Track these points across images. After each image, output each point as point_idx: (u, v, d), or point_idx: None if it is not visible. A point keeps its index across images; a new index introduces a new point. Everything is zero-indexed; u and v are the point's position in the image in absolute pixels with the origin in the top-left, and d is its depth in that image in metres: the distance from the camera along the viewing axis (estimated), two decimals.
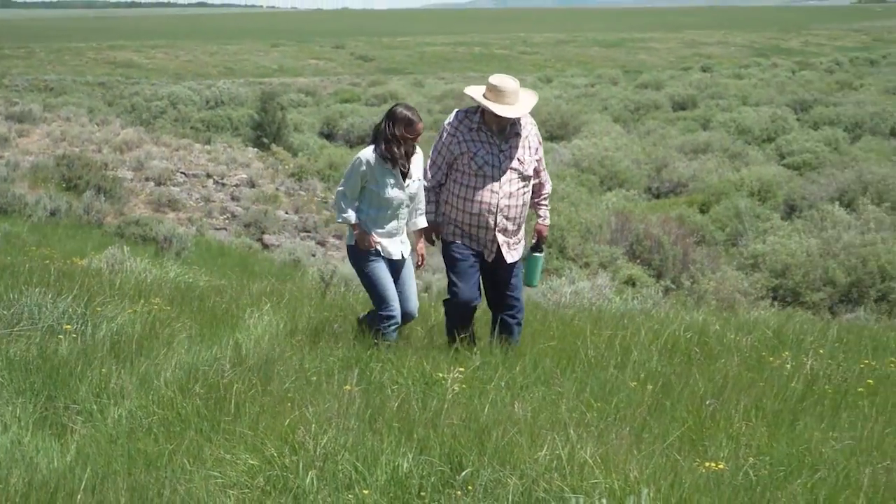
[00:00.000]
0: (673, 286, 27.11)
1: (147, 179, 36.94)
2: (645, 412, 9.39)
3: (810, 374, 10.94)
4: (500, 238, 11.38)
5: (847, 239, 26.25)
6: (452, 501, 7.20)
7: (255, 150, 47.01)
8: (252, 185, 37.90)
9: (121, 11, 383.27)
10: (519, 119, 11.36)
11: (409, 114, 11.16)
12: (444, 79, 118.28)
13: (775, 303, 25.07)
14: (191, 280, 17.91)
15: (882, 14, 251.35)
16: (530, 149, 11.46)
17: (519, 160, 11.36)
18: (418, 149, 11.41)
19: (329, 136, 74.29)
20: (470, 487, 7.38)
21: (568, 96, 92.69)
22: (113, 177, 34.54)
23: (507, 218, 11.34)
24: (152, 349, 10.79)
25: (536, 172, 11.57)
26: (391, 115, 11.20)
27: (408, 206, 11.41)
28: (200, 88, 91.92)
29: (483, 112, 11.33)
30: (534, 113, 11.70)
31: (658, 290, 23.83)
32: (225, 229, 33.01)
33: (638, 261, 29.57)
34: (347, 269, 16.91)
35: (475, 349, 11.18)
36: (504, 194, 11.29)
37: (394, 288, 11.38)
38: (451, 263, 11.49)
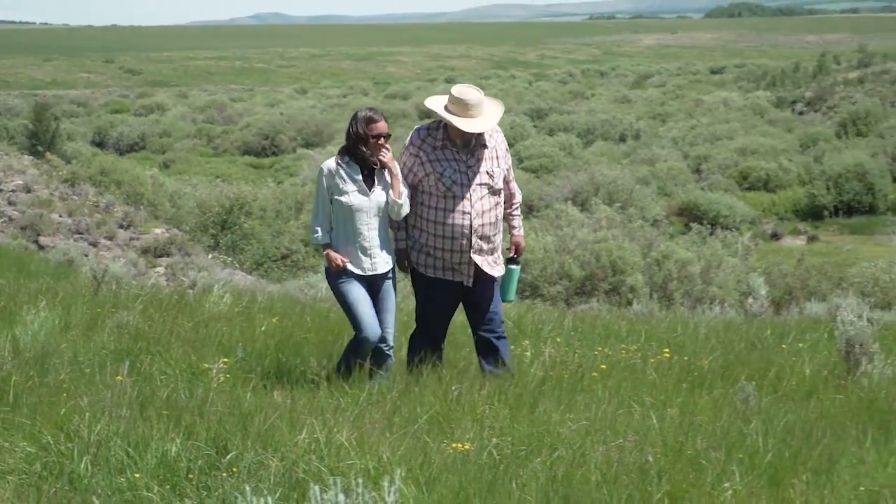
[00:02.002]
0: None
1: None
2: (396, 397, 9.42)
3: (549, 361, 11.07)
4: (477, 259, 10.14)
5: (581, 236, 26.66)
6: (218, 483, 7.15)
7: (31, 157, 46.08)
8: (28, 190, 37.12)
9: None
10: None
11: (370, 113, 10.07)
12: (208, 90, 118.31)
13: (516, 295, 25.38)
14: None
15: (611, 29, 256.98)
16: (499, 159, 10.23)
17: (488, 174, 10.12)
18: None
19: (100, 144, 73.85)
20: (235, 469, 7.37)
21: (322, 106, 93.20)
22: None
23: (481, 238, 10.12)
24: None
25: (505, 182, 10.34)
26: (353, 116, 10.15)
27: (378, 216, 10.06)
28: None
29: (446, 126, 10.10)
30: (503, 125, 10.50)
31: (409, 283, 23.93)
32: (2, 232, 32.26)
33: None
34: (118, 267, 16.61)
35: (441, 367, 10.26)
36: (476, 213, 10.06)
37: (371, 309, 10.10)
38: (425, 298, 10.47)
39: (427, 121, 10.60)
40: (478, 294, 10.40)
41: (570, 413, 9.33)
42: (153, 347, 10.78)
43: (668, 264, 25.33)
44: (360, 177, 9.99)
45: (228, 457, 7.56)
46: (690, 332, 13.95)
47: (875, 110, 77.38)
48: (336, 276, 10.11)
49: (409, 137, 10.24)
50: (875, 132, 70.49)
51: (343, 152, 10.10)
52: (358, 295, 10.05)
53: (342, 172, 10.03)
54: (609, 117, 79.78)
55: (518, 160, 59.80)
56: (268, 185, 33.25)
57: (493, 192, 10.14)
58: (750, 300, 20.55)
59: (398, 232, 10.36)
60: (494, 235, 10.24)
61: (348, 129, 10.10)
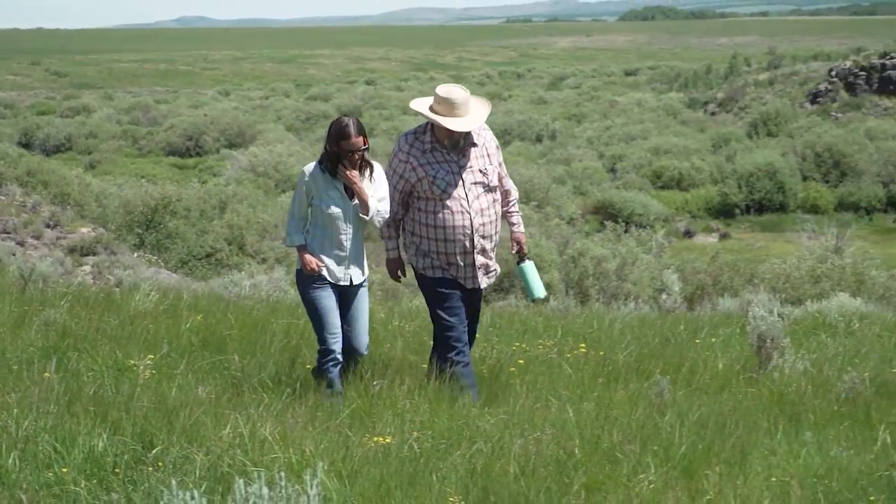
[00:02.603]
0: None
1: None
2: (317, 393, 9.43)
3: None
4: (480, 260, 9.75)
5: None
6: (144, 477, 7.12)
7: None
8: None
9: None
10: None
11: (344, 126, 9.35)
12: (133, 93, 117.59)
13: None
14: None
15: (527, 32, 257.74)
16: (489, 156, 9.80)
17: (482, 171, 9.71)
18: (378, 166, 9.66)
19: (27, 145, 72.99)
20: (161, 464, 7.34)
21: (245, 108, 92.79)
22: None
23: (483, 237, 9.71)
24: None
25: (500, 180, 9.94)
26: (330, 125, 9.52)
27: (357, 225, 9.54)
28: None
29: (433, 128, 9.69)
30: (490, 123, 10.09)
31: None
32: None
33: None
34: (45, 266, 16.45)
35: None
36: (475, 212, 9.65)
37: (338, 320, 9.58)
38: (437, 298, 9.85)
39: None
40: (474, 299, 10.04)
41: (489, 407, 9.38)
42: (80, 344, 10.68)
43: (583, 261, 25.42)
44: (341, 184, 9.44)
45: (154, 451, 7.52)
46: (606, 327, 14.04)
47: (785, 111, 78.03)
48: (308, 280, 9.55)
49: (396, 144, 9.82)
50: (785, 132, 71.11)
51: (323, 159, 9.48)
52: (328, 304, 9.52)
53: (324, 179, 9.45)
54: (525, 118, 79.95)
55: None
56: (192, 185, 33.04)
57: (489, 189, 9.77)
58: (664, 296, 20.74)
59: (388, 241, 9.99)
60: (495, 234, 9.89)
61: (325, 140, 9.50)
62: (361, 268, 9.72)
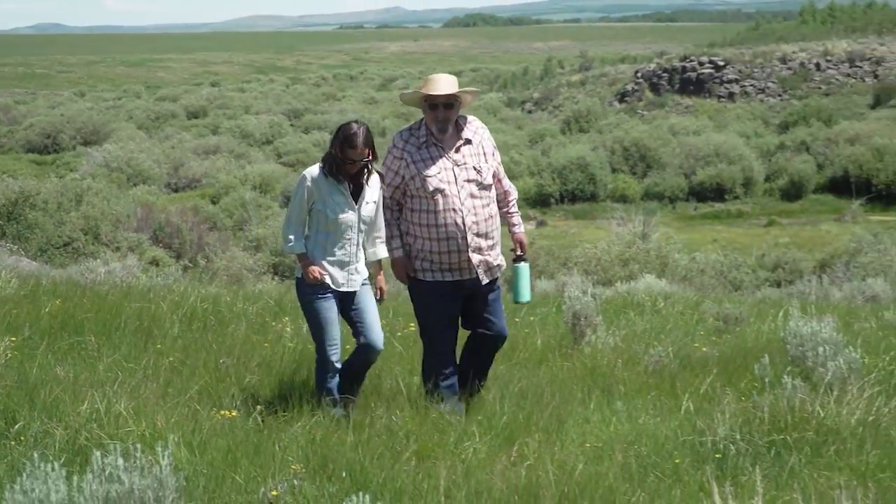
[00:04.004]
0: (191, 265, 26.94)
1: None
2: (169, 370, 9.35)
3: (306, 335, 11.05)
4: (476, 258, 8.87)
5: None
6: (7, 451, 7.03)
7: None
8: None
9: None
10: (466, 125, 9.02)
11: (350, 134, 8.43)
12: None
13: (276, 277, 25.28)
14: None
15: (359, 37, 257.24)
16: (485, 155, 8.99)
17: (476, 169, 8.88)
18: (377, 175, 8.78)
19: None
20: (22, 438, 7.25)
21: (99, 108, 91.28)
22: None
23: (477, 235, 8.85)
24: None
25: (496, 179, 9.12)
26: (336, 131, 8.56)
27: (361, 231, 8.65)
28: None
29: (426, 125, 8.90)
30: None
31: (178, 268, 23.78)
32: None
33: (161, 244, 29.26)
34: None
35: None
36: (468, 210, 8.81)
37: (338, 331, 8.65)
38: (426, 305, 9.00)
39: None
40: (474, 302, 9.06)
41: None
42: None
43: None
44: (346, 189, 8.52)
45: (16, 427, 7.42)
46: None
47: (595, 109, 79.13)
48: (310, 290, 8.58)
49: (391, 141, 9.00)
50: (595, 128, 72.10)
51: (326, 161, 8.57)
52: (329, 316, 8.57)
53: (327, 183, 8.49)
54: (358, 116, 79.77)
55: (277, 155, 59.57)
56: (50, 179, 32.34)
57: (483, 187, 8.92)
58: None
59: (392, 240, 8.98)
60: (493, 231, 8.99)
61: (331, 142, 8.59)
62: (362, 271, 8.76)
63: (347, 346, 9.04)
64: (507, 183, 9.27)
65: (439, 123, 8.82)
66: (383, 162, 8.99)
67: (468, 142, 8.94)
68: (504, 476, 6.98)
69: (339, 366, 8.67)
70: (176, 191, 49.98)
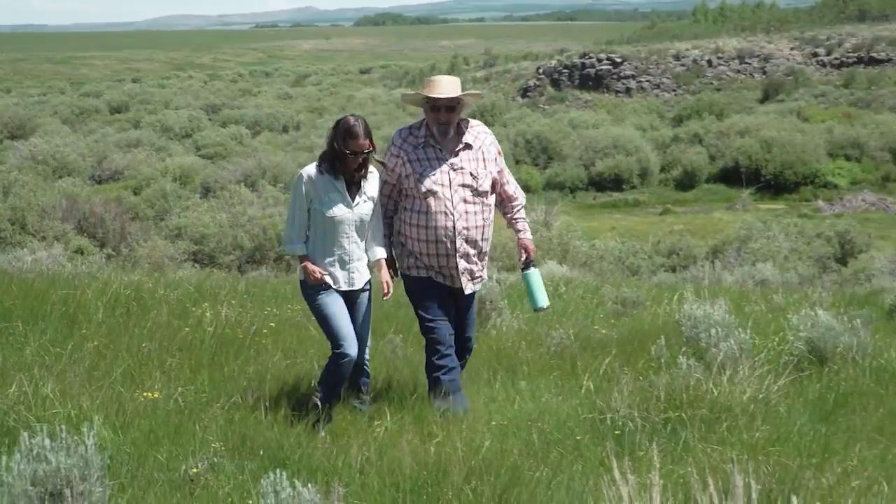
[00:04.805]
0: (114, 253, 26.67)
1: None
2: (94, 354, 9.26)
3: (225, 320, 11.03)
4: (462, 265, 8.39)
5: (251, 213, 26.56)
6: None
7: None
8: None
9: None
10: (469, 129, 8.50)
11: (351, 126, 7.92)
12: None
13: (196, 265, 25.11)
14: None
15: (274, 36, 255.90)
16: (485, 161, 8.43)
17: (472, 175, 8.35)
18: (373, 168, 8.28)
19: None
20: None
21: (25, 104, 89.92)
22: None
23: (466, 241, 8.34)
24: None
25: (495, 186, 8.52)
26: (336, 125, 8.03)
27: (359, 228, 8.13)
28: None
29: (427, 124, 8.41)
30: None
31: (102, 257, 23.56)
32: None
33: (85, 234, 28.96)
34: None
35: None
36: (460, 214, 8.30)
37: (349, 322, 8.13)
38: (420, 300, 8.51)
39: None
40: (462, 302, 8.62)
41: (246, 365, 9.35)
42: None
43: None
44: (343, 186, 8.05)
45: None
46: None
47: (499, 103, 79.26)
48: (313, 289, 8.13)
49: (391, 139, 8.54)
50: (500, 122, 72.14)
51: (323, 159, 8.11)
52: (336, 309, 8.10)
53: (324, 181, 8.02)
54: (273, 111, 79.69)
55: (196, 148, 59.07)
56: None
57: (478, 194, 8.37)
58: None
59: (389, 238, 8.56)
60: (482, 240, 8.46)
61: (329, 137, 8.09)
62: (364, 270, 8.27)
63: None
64: (512, 188, 8.68)
65: (441, 126, 8.34)
66: (383, 159, 8.51)
67: (468, 146, 8.43)
68: (414, 453, 7.00)
69: (354, 358, 8.06)
70: (100, 182, 49.45)
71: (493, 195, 8.52)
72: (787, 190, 53.70)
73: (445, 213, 8.27)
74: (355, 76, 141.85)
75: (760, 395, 8.40)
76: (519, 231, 8.70)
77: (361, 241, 8.17)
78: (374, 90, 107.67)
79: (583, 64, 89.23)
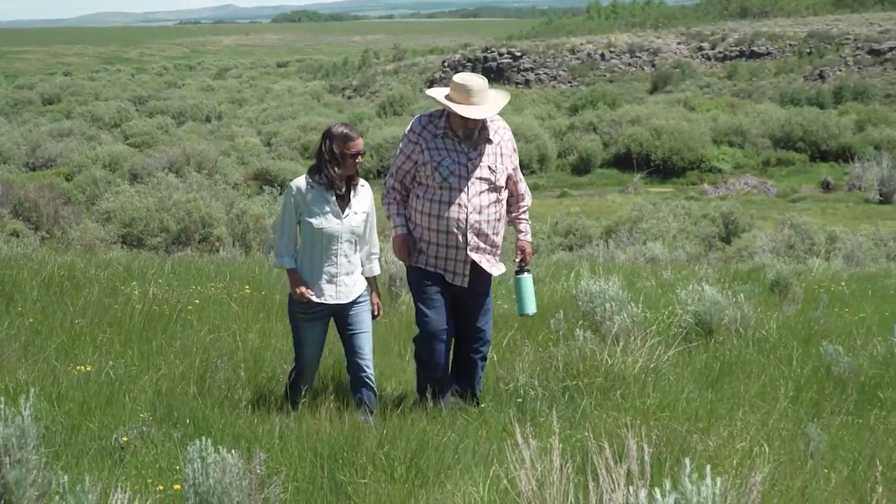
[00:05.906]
0: (48, 236, 26.31)
1: None
2: (29, 331, 9.16)
3: (153, 298, 10.96)
4: (474, 256, 7.76)
5: (176, 197, 26.31)
6: None
7: None
8: None
9: None
10: (489, 123, 7.84)
11: (346, 130, 7.48)
12: None
13: (125, 246, 24.84)
14: None
15: (197, 32, 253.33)
16: (503, 156, 7.82)
17: (490, 169, 7.73)
18: (363, 181, 7.73)
19: None
20: None
21: None
22: None
23: (478, 235, 7.73)
24: None
25: (508, 182, 7.92)
26: (327, 134, 7.49)
27: (350, 241, 7.57)
28: None
29: (448, 116, 7.77)
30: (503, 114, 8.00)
31: (37, 239, 23.26)
32: None
33: (20, 218, 28.59)
34: None
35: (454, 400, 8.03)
36: (473, 208, 7.68)
37: (319, 353, 7.80)
38: (418, 291, 7.89)
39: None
40: (467, 300, 7.97)
41: (172, 340, 9.30)
42: None
43: (246, 219, 25.37)
44: (333, 199, 7.50)
45: None
46: (266, 272, 14.04)
47: (407, 95, 79.14)
48: (297, 307, 7.62)
49: (409, 124, 7.95)
50: (408, 112, 72.11)
51: (313, 171, 7.54)
52: (311, 337, 7.67)
53: (314, 193, 7.50)
54: (197, 102, 79.16)
55: (125, 137, 58.37)
56: None
57: (494, 188, 7.77)
58: None
59: (395, 218, 7.92)
60: (494, 234, 7.84)
61: (320, 147, 7.54)
62: (354, 284, 7.68)
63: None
64: (522, 187, 8.08)
65: (466, 131, 7.75)
66: (400, 143, 7.92)
67: (488, 140, 7.80)
68: (331, 421, 7.02)
69: (310, 385, 7.75)
70: (34, 169, 48.77)
71: (506, 191, 7.95)
72: (675, 174, 54.15)
73: (459, 205, 7.67)
74: (273, 69, 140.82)
75: (651, 365, 8.51)
76: (520, 232, 8.15)
77: (352, 254, 7.63)
78: (290, 82, 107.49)
79: (485, 57, 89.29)
